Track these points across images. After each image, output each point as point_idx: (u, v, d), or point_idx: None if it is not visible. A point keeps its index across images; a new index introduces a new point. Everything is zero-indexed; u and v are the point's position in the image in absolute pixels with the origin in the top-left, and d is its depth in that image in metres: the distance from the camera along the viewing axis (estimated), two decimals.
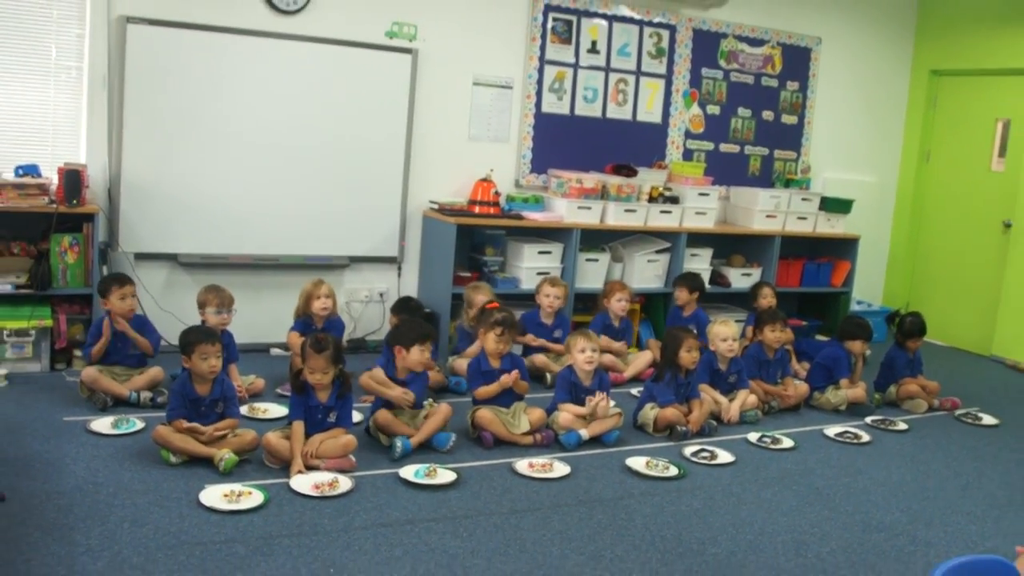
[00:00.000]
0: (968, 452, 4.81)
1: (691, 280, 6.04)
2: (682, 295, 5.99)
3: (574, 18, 6.42)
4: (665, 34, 6.77)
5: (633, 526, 3.54)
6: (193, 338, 3.92)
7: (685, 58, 6.88)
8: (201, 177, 5.44)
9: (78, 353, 4.92)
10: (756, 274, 6.77)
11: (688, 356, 4.67)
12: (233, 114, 5.47)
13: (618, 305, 5.76)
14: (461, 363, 5.24)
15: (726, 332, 5.04)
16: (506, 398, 4.43)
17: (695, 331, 4.99)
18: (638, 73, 6.72)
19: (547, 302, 5.59)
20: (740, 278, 6.75)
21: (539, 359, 5.42)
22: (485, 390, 4.40)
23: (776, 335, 5.34)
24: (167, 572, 2.92)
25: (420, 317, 5.14)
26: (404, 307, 5.26)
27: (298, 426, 3.84)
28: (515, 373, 4.38)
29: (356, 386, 4.15)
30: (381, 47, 5.81)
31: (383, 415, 4.13)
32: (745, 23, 7.06)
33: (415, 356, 4.21)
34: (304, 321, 5.02)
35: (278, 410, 4.53)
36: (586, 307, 6.21)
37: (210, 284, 4.87)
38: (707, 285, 6.31)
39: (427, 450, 4.13)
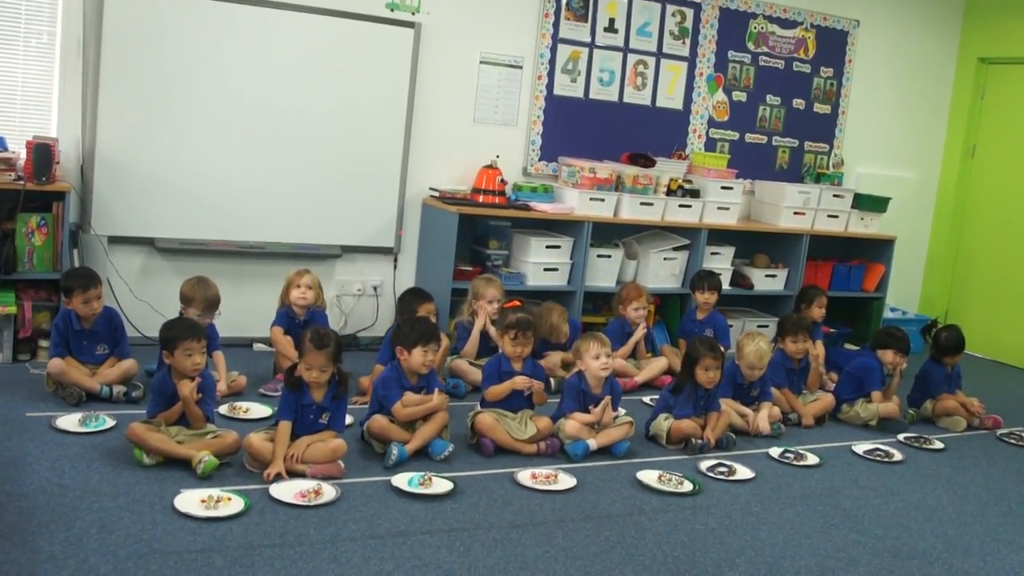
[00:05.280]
0: (1011, 475, 4.82)
1: (709, 280, 6.06)
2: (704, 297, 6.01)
3: None
4: (689, 13, 6.78)
5: (643, 545, 3.55)
6: (176, 333, 3.93)
7: (710, 39, 6.89)
8: (182, 155, 5.45)
9: (44, 343, 4.93)
10: (782, 276, 6.79)
11: (705, 376, 4.65)
12: (219, 88, 5.48)
13: (635, 314, 5.75)
14: (460, 364, 5.26)
15: (751, 353, 4.96)
16: (516, 402, 4.45)
17: (714, 340, 4.98)
18: (659, 55, 6.73)
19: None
20: (764, 280, 6.76)
21: (546, 363, 5.41)
22: (495, 390, 4.42)
23: (798, 347, 5.35)
24: None
25: (423, 301, 5.15)
26: (406, 298, 5.25)
27: (285, 426, 3.85)
28: (538, 384, 4.43)
29: (352, 386, 4.18)
30: (381, 19, 5.82)
31: (377, 421, 4.14)
32: (776, 2, 7.07)
33: (417, 358, 4.21)
34: (285, 313, 5.04)
35: (261, 410, 4.54)
36: (596, 307, 6.22)
37: (198, 277, 4.84)
38: (727, 286, 6.34)
39: (422, 457, 4.15)
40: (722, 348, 4.83)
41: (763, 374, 5.07)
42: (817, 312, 6.16)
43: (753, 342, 5.03)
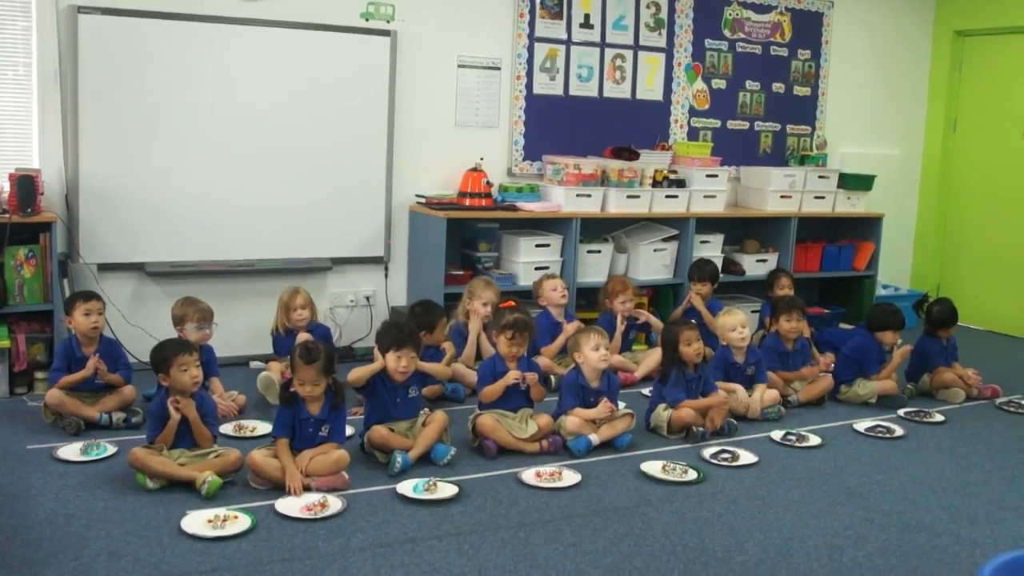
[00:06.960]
0: (1012, 443, 4.84)
1: (699, 272, 6.12)
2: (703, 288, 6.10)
3: None
4: (664, 3, 6.80)
5: (652, 535, 3.57)
6: (168, 352, 3.93)
7: (686, 29, 6.91)
8: (167, 178, 5.45)
9: (40, 375, 4.93)
10: (772, 260, 6.81)
11: (688, 350, 4.70)
12: (199, 109, 5.49)
13: (622, 308, 5.77)
14: (457, 367, 5.26)
15: (733, 321, 5.10)
16: (515, 401, 4.46)
17: (694, 321, 5.07)
18: (636, 47, 6.75)
19: (556, 297, 5.60)
20: (755, 265, 6.79)
21: (543, 361, 5.43)
22: (490, 389, 4.42)
23: (792, 325, 5.38)
24: None
25: (440, 316, 5.12)
26: (417, 311, 5.22)
27: (283, 443, 3.87)
28: (532, 375, 4.44)
29: (349, 396, 4.18)
30: (357, 30, 5.83)
31: (378, 432, 4.14)
32: None
33: (391, 363, 4.20)
34: (288, 331, 5.05)
35: (267, 428, 4.53)
36: (589, 303, 6.23)
37: (185, 297, 4.88)
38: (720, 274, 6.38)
39: (425, 463, 4.15)
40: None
41: (751, 345, 5.15)
42: (783, 293, 6.15)
43: (725, 312, 5.23)
